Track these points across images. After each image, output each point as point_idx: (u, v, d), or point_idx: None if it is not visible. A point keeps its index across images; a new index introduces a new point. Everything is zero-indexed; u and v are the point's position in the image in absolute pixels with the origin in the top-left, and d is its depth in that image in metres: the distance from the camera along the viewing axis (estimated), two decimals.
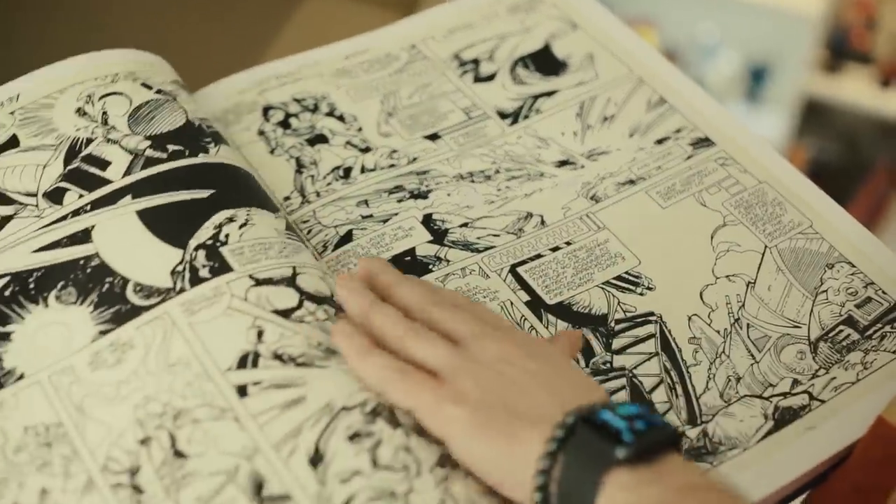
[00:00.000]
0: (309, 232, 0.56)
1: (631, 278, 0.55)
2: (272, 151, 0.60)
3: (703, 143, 0.62)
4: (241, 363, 0.45)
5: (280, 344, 0.46)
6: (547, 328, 0.53)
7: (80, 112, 0.54)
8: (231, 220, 0.50)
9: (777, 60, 2.41)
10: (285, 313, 0.47)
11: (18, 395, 0.45)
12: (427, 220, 0.57)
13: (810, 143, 2.57)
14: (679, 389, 0.51)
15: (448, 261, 0.55)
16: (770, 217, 0.58)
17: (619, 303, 0.54)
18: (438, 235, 0.56)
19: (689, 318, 0.53)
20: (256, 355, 0.45)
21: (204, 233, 0.49)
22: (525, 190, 0.59)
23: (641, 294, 0.54)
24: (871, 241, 0.57)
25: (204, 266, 0.48)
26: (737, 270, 0.55)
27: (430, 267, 0.55)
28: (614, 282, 0.55)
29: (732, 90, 2.46)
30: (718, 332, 0.53)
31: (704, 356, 0.52)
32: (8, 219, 0.50)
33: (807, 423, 0.50)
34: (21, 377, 0.45)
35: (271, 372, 0.45)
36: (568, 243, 0.56)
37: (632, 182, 0.60)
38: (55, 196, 0.51)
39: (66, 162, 0.52)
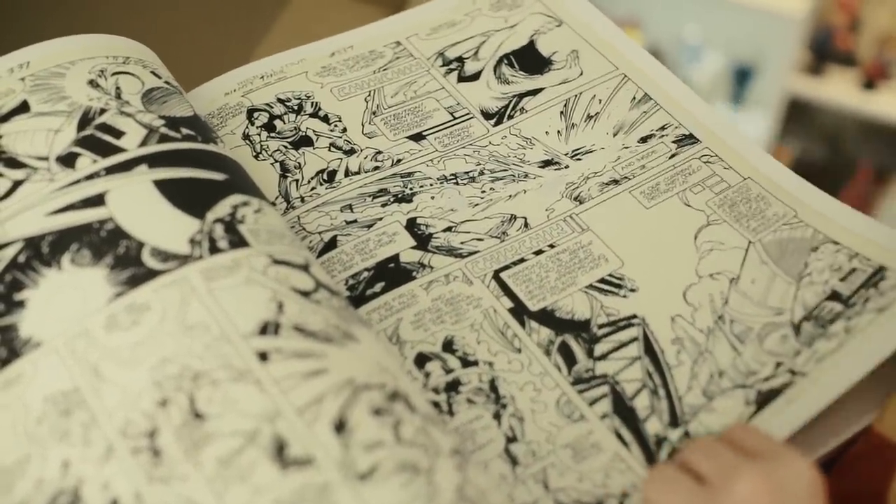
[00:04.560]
0: None
1: (614, 280, 0.55)
2: (257, 156, 0.60)
3: (688, 140, 0.62)
4: (262, 331, 0.44)
5: (301, 318, 0.45)
6: (530, 335, 0.52)
7: (93, 84, 0.53)
8: (246, 204, 0.50)
9: (761, 62, 2.42)
10: (304, 294, 0.47)
11: (37, 363, 0.44)
12: (411, 225, 0.57)
13: (794, 143, 2.58)
14: (661, 392, 0.50)
15: (432, 267, 0.55)
16: (754, 213, 0.58)
17: (601, 307, 0.53)
18: (422, 240, 0.56)
19: (673, 319, 0.53)
20: (277, 325, 0.45)
21: (221, 209, 0.49)
22: (509, 191, 0.59)
23: (625, 296, 0.54)
24: (856, 217, 0.56)
25: (222, 238, 0.47)
26: (720, 268, 0.55)
27: (414, 274, 0.54)
28: (597, 285, 0.54)
29: (717, 91, 2.46)
30: (701, 330, 0.52)
31: (687, 356, 0.51)
32: (19, 183, 0.49)
33: (787, 399, 0.49)
34: (38, 345, 0.44)
35: (293, 342, 0.44)
36: (551, 246, 0.56)
37: (616, 182, 0.60)
38: (68, 160, 0.49)
39: (80, 129, 0.51)
